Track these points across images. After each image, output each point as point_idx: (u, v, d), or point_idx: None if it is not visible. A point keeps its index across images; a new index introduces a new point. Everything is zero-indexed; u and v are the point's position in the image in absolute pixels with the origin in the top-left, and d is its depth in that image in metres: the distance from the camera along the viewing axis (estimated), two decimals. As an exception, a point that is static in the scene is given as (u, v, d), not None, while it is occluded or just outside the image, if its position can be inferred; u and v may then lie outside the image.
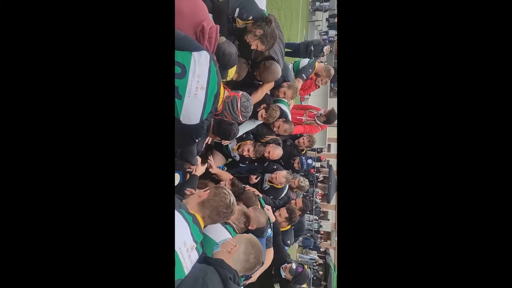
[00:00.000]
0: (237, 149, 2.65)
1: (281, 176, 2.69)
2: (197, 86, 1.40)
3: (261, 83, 2.47)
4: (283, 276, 2.38)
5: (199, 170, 2.04)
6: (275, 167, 2.84)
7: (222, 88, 1.61)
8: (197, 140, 1.64)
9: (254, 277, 1.93)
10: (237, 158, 2.73)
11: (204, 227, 1.24)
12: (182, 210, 1.15)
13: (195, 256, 1.13)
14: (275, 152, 2.71)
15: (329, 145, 17.10)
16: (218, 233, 1.48)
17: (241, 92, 1.73)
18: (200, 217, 1.22)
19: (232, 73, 1.95)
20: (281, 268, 2.38)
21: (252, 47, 2.10)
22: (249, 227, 1.81)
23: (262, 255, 1.25)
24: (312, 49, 4.74)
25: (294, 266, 2.39)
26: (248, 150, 2.55)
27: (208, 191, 1.28)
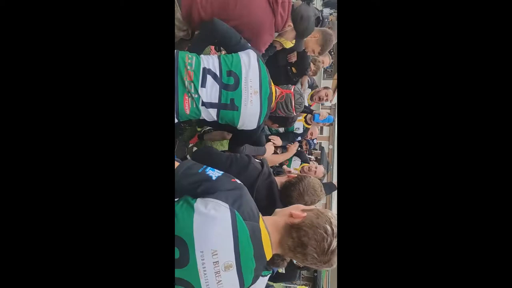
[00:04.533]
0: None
1: (321, 171, 2.78)
2: (251, 92, 1.35)
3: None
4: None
5: (269, 149, 1.94)
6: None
7: (273, 87, 1.55)
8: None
9: None
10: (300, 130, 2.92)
11: (270, 259, 0.88)
12: (237, 213, 0.81)
13: (227, 279, 0.79)
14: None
15: (321, 128, 17.17)
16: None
17: (292, 88, 1.65)
18: (275, 240, 0.86)
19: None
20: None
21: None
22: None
23: None
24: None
25: None
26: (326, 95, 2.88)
27: (307, 214, 0.88)
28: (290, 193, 1.33)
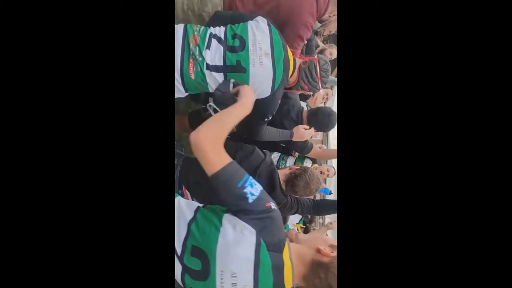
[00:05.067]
0: None
1: (333, 172, 2.64)
2: (260, 54, 1.20)
3: None
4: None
5: (307, 133, 1.74)
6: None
7: (290, 53, 1.34)
8: (267, 119, 1.39)
9: None
10: None
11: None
12: (263, 242, 0.78)
13: None
14: None
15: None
16: None
17: (316, 55, 1.51)
18: (299, 273, 0.83)
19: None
20: None
21: None
22: None
23: None
24: None
25: None
26: None
27: (333, 254, 0.84)
28: (297, 183, 1.34)
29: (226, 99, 1.11)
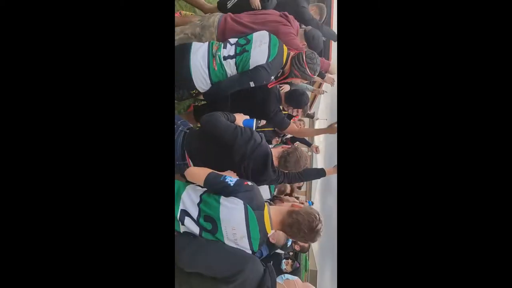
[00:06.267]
0: None
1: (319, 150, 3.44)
2: (260, 44, 1.83)
3: None
4: (283, 268, 2.67)
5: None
6: None
7: (285, 48, 1.94)
8: (252, 84, 1.87)
9: None
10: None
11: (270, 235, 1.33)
12: (249, 206, 1.24)
13: (242, 244, 1.24)
14: None
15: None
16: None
17: (305, 48, 2.04)
18: (276, 220, 1.29)
19: None
20: (283, 262, 2.69)
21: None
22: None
23: None
24: None
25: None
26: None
27: (303, 206, 1.33)
28: (289, 159, 1.64)
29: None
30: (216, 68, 1.81)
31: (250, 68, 1.81)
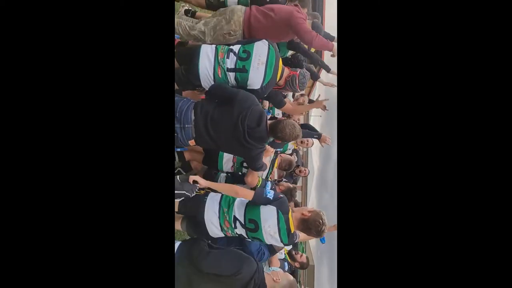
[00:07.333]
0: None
1: (311, 143, 3.35)
2: (258, 62, 2.03)
3: None
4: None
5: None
6: None
7: (281, 63, 2.19)
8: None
9: None
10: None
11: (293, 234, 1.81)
12: (279, 211, 1.78)
13: (274, 240, 1.81)
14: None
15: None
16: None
17: (299, 71, 2.28)
18: (295, 224, 1.80)
19: None
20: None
21: None
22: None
23: None
24: None
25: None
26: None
27: (311, 214, 1.81)
28: (277, 125, 1.92)
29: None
30: (220, 76, 2.06)
31: (247, 87, 2.05)
